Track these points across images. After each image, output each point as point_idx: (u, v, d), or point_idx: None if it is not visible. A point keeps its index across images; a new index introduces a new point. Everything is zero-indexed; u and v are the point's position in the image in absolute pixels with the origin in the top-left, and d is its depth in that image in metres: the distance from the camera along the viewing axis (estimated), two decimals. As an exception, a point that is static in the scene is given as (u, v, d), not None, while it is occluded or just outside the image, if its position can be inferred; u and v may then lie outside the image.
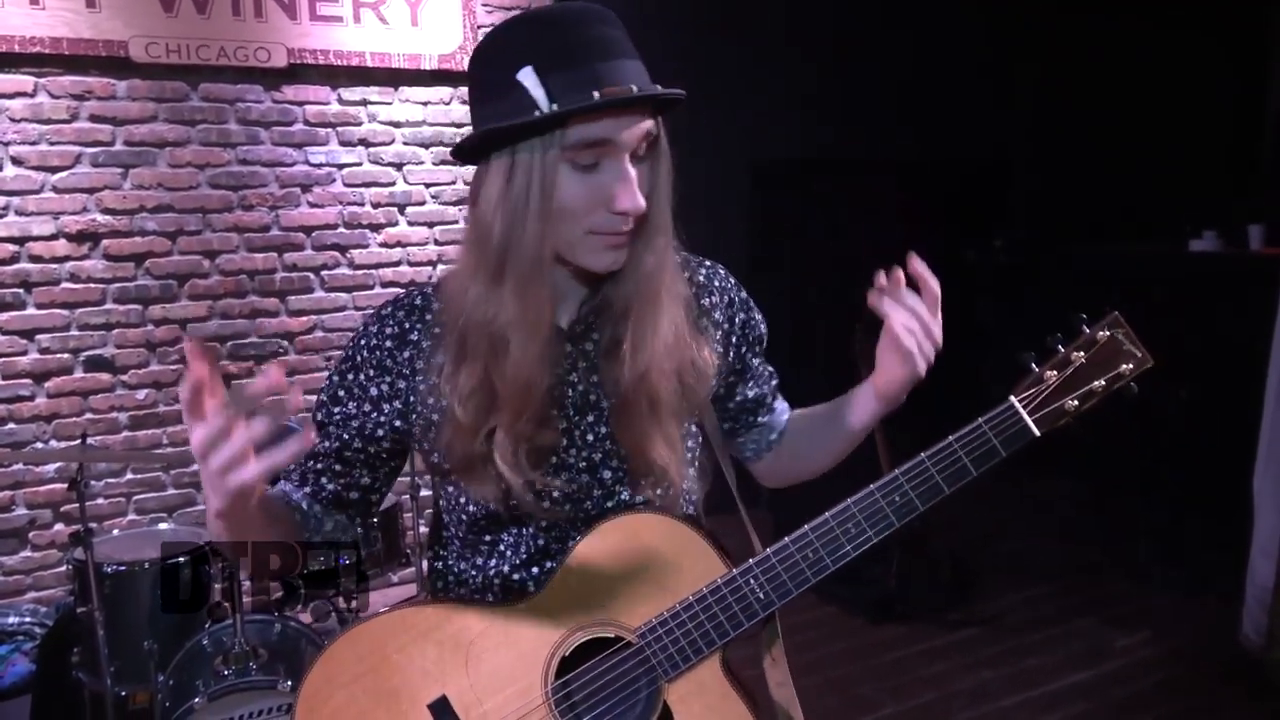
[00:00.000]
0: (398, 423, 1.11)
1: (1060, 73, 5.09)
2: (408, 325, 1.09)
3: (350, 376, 1.12)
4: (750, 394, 1.27)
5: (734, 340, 1.22)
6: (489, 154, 1.00)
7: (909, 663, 3.31)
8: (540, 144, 0.96)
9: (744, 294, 1.24)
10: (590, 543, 1.08)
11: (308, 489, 1.18)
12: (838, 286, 5.14)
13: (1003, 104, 5.15)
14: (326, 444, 1.14)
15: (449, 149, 3.86)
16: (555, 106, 0.93)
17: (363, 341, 1.11)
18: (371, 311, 1.13)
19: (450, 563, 1.18)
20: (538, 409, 1.05)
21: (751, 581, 1.07)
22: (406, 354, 1.09)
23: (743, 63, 4.46)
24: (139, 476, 3.52)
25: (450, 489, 1.14)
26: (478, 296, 1.02)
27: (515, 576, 1.13)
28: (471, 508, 1.12)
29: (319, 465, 1.17)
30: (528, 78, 0.94)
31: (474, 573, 1.15)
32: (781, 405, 1.32)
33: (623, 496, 1.12)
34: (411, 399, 1.10)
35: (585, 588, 1.08)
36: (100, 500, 3.45)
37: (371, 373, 1.10)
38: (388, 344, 1.09)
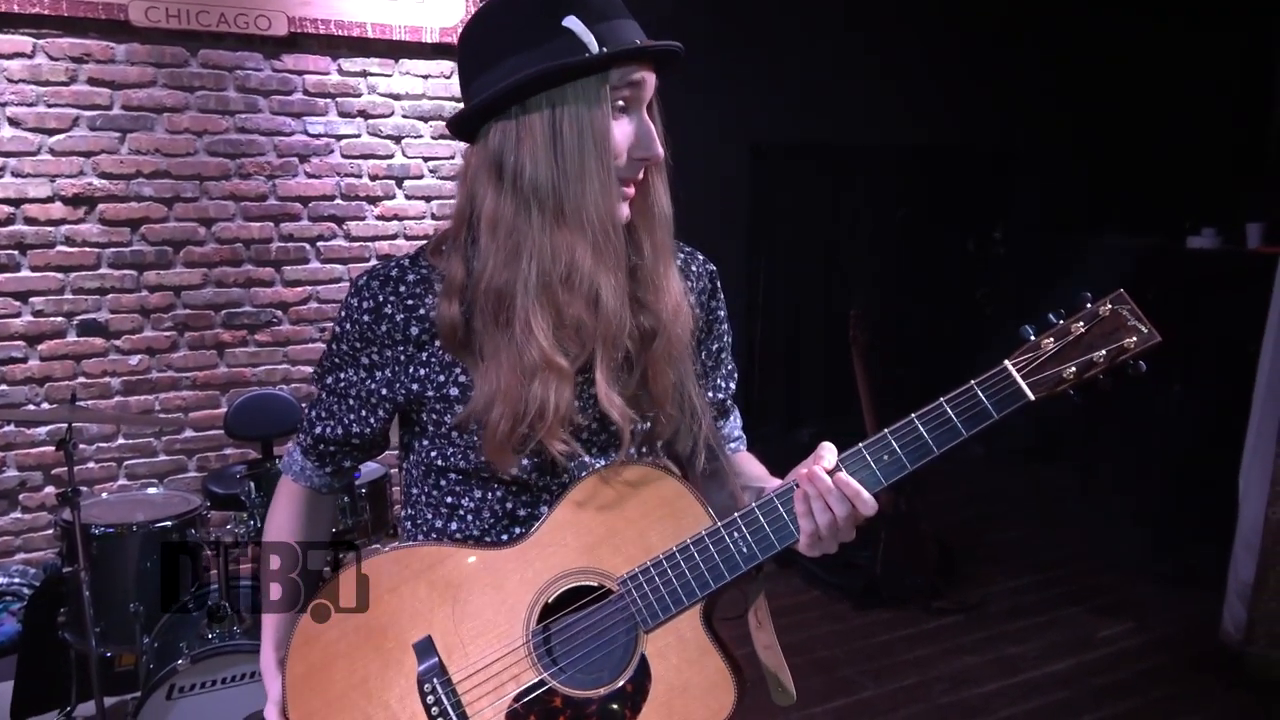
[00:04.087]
0: (385, 391, 1.13)
1: (1064, 66, 5.06)
2: (381, 298, 1.10)
3: (340, 346, 1.15)
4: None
5: (699, 325, 1.21)
6: (514, 106, 1.01)
7: (892, 647, 3.33)
8: (590, 87, 1.00)
9: (718, 283, 1.25)
10: (582, 490, 1.09)
11: (328, 469, 1.23)
12: (835, 269, 5.16)
13: (1006, 95, 5.13)
14: (332, 425, 1.18)
15: (448, 122, 3.86)
16: (605, 49, 0.98)
17: (344, 314, 1.13)
18: (352, 282, 1.14)
19: (418, 521, 1.19)
20: (623, 341, 1.07)
21: (735, 534, 1.04)
22: (384, 328, 1.10)
23: (745, 45, 4.45)
24: (130, 441, 3.53)
25: (425, 442, 1.15)
26: (539, 248, 1.02)
27: (488, 540, 1.13)
28: (440, 463, 1.13)
29: (333, 449, 1.20)
30: (575, 25, 0.98)
31: (439, 537, 1.15)
32: (732, 425, 1.30)
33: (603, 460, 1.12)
34: (395, 369, 1.11)
35: (574, 535, 1.09)
36: (91, 464, 3.46)
37: (358, 344, 1.12)
38: (365, 318, 1.10)
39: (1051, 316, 1.03)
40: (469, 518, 1.13)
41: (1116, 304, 1.02)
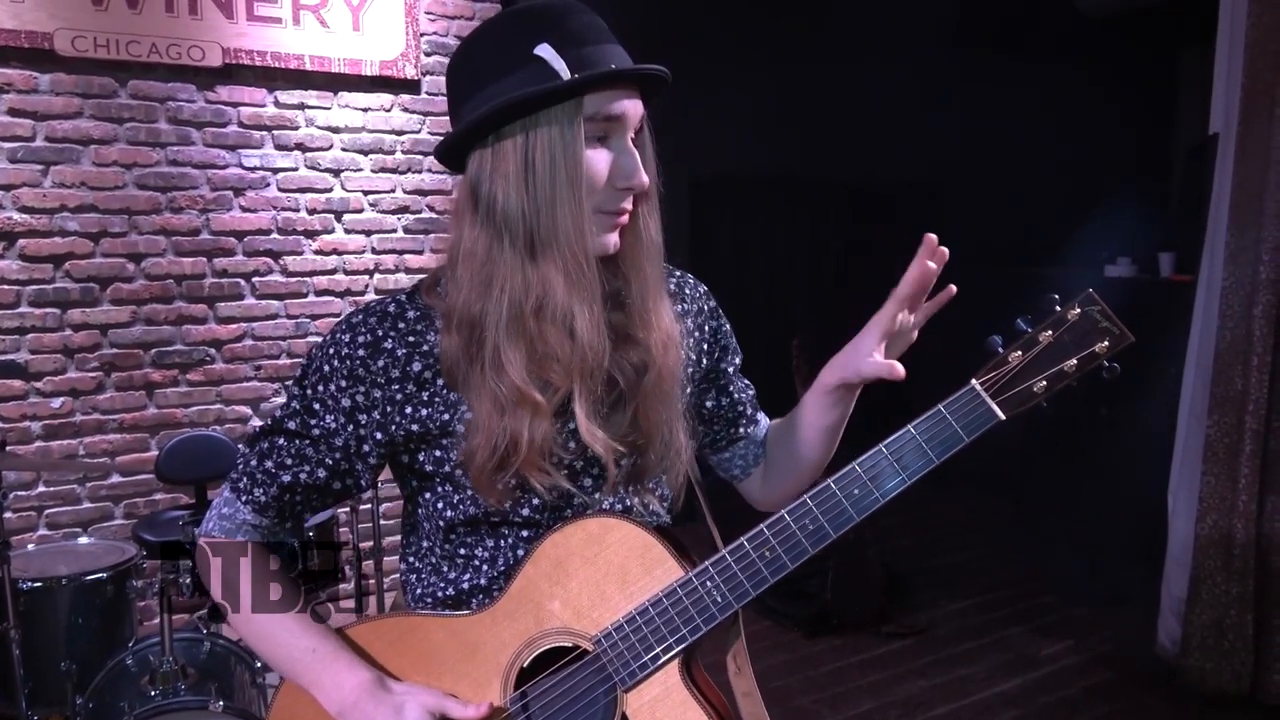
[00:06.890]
0: (379, 434, 1.06)
1: (991, 109, 5.28)
2: (380, 332, 1.05)
3: (320, 388, 1.06)
4: (726, 403, 1.25)
5: (706, 348, 1.22)
6: (490, 136, 0.99)
7: (845, 674, 3.35)
8: (562, 115, 0.97)
9: (714, 303, 1.25)
10: (548, 548, 1.05)
11: (288, 524, 1.14)
12: (773, 300, 5.24)
13: (937, 134, 5.31)
14: (307, 470, 1.08)
15: (389, 156, 3.81)
16: (576, 77, 0.96)
17: (332, 350, 1.05)
18: (340, 319, 1.08)
19: (424, 575, 1.14)
20: (602, 373, 1.03)
21: (708, 584, 1.01)
22: (381, 362, 1.04)
23: (684, 77, 4.51)
24: (51, 489, 3.34)
25: (428, 495, 1.10)
26: (511, 279, 1.00)
27: (495, 591, 1.09)
28: (449, 513, 1.08)
29: (298, 499, 1.10)
30: (547, 52, 0.97)
31: (445, 586, 1.11)
32: (763, 419, 1.30)
33: (608, 500, 1.10)
34: (389, 409, 1.05)
35: (544, 595, 1.05)
36: (8, 514, 3.24)
37: (344, 383, 1.05)
38: (360, 352, 1.04)
39: (1020, 323, 0.99)
40: (484, 567, 1.09)
41: (1085, 305, 0.97)
